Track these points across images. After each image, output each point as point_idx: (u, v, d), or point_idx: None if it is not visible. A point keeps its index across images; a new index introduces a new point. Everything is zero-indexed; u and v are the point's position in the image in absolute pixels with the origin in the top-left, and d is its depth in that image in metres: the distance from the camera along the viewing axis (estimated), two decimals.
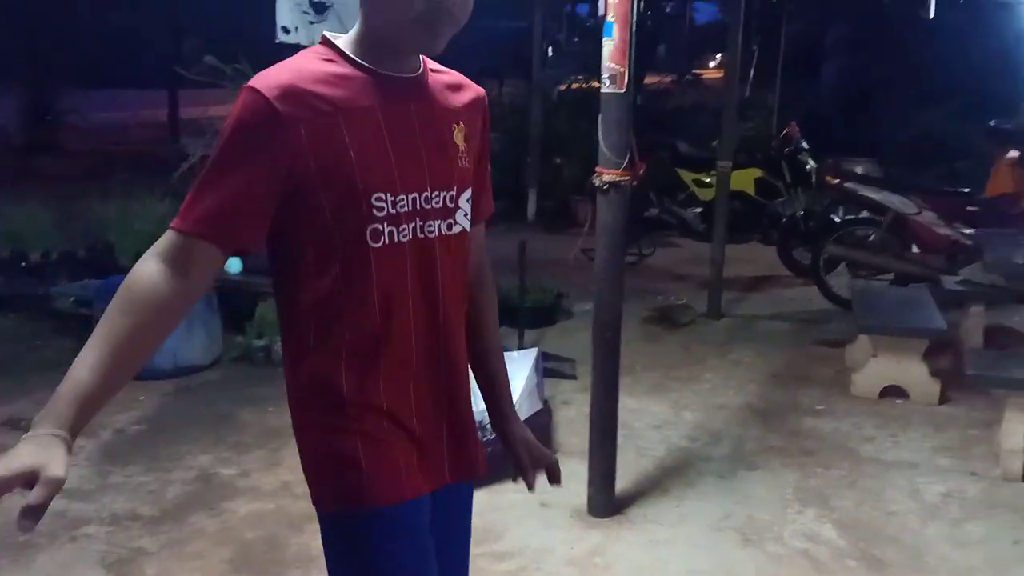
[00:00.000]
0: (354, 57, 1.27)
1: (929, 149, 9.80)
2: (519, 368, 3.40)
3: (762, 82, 11.30)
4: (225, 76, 5.08)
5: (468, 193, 1.37)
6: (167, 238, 1.20)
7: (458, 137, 1.35)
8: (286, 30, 5.05)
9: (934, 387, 4.15)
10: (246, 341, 4.58)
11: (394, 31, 1.25)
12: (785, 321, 5.61)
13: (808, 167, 6.75)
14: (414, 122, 1.29)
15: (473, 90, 1.43)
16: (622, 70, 2.89)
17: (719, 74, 14.60)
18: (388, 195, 1.25)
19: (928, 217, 5.66)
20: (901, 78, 10.64)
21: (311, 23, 5.17)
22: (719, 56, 19.14)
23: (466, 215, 1.37)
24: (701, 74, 17.41)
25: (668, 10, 17.05)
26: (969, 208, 6.12)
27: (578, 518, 3.05)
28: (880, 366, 4.24)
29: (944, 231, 5.57)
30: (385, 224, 1.25)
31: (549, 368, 4.16)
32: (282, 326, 1.34)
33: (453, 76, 1.41)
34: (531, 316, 4.99)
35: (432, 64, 1.38)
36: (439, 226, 1.31)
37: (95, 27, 15.10)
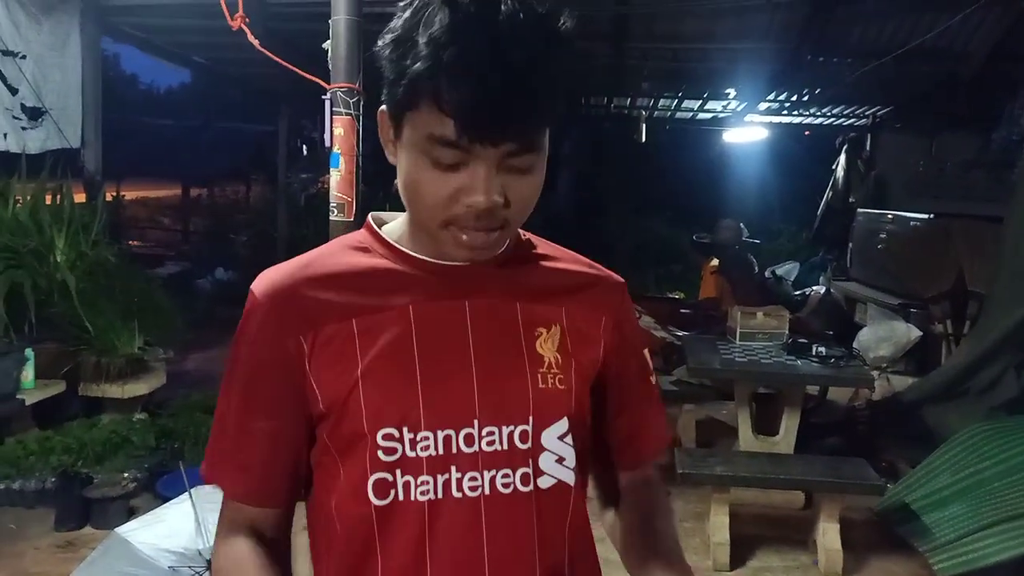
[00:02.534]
0: (394, 243, 0.97)
1: (650, 253, 10.98)
2: None
3: None
4: None
5: (562, 427, 0.95)
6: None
7: (546, 346, 0.96)
8: None
9: None
10: None
11: (423, 224, 0.91)
12: None
13: None
14: (465, 326, 0.93)
15: (594, 280, 1.04)
16: (349, 200, 2.98)
17: None
18: (405, 430, 0.89)
19: (647, 321, 6.26)
20: (624, 190, 11.86)
21: (24, 129, 4.80)
22: None
23: (562, 460, 0.95)
24: None
25: None
26: (682, 311, 6.87)
27: None
28: None
29: (660, 334, 6.18)
30: (399, 473, 0.89)
31: None
32: None
33: (568, 260, 1.04)
34: None
35: (540, 244, 1.03)
36: (495, 479, 0.91)
37: None
